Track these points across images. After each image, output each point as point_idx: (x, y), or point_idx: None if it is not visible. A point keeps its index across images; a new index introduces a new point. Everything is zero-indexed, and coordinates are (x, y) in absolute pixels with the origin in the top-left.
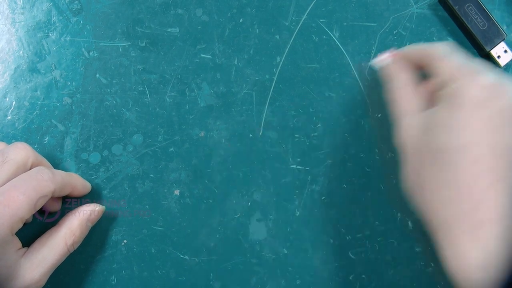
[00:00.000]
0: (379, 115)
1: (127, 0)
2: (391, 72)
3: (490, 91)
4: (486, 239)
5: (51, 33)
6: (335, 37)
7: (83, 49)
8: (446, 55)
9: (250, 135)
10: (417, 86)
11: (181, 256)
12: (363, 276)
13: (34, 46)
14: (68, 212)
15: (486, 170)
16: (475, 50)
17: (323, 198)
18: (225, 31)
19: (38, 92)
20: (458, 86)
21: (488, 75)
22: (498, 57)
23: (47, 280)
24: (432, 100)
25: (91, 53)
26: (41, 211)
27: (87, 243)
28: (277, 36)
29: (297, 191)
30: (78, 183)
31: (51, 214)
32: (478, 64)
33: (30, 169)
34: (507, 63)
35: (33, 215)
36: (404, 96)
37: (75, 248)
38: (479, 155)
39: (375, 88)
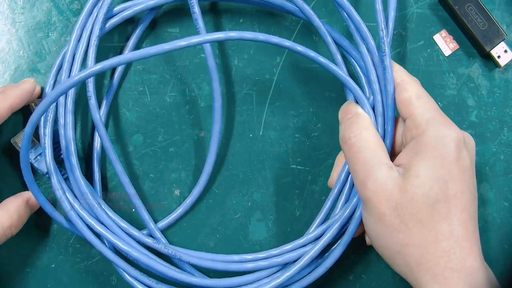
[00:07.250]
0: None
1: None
2: (354, 110)
3: (459, 147)
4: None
5: (51, 33)
6: None
7: None
8: (420, 97)
9: (250, 135)
10: None
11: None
12: (363, 276)
13: (34, 46)
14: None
15: (471, 218)
16: (475, 50)
17: (323, 198)
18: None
19: None
20: (433, 140)
21: (454, 129)
22: (498, 57)
23: (47, 281)
24: None
25: None
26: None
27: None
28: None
29: (297, 191)
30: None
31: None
32: (441, 113)
33: None
34: (507, 63)
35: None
36: (372, 139)
37: (13, 233)
38: (466, 203)
39: None
